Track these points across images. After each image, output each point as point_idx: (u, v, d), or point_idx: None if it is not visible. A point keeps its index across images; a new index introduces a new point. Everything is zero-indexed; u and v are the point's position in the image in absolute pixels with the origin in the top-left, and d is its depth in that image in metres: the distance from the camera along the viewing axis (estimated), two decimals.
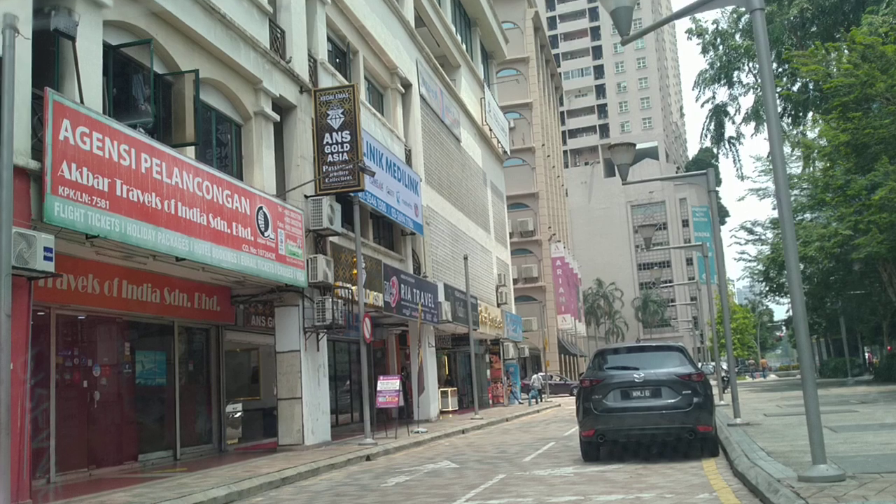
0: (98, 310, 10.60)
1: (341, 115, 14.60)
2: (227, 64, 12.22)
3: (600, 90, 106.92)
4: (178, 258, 9.90)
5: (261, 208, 12.03)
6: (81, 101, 8.55)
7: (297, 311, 13.54)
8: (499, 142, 33.52)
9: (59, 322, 10.11)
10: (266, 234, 12.11)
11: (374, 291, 16.49)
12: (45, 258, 7.50)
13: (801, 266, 26.42)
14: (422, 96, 22.40)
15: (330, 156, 14.51)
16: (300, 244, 13.30)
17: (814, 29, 27.94)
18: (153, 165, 9.38)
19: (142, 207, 9.06)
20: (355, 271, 14.58)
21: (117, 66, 9.96)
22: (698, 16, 30.08)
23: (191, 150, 10.92)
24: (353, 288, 14.84)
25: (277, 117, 13.73)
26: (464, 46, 29.20)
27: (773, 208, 32.35)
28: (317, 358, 14.09)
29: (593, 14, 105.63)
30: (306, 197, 14.13)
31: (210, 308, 13.02)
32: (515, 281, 43.11)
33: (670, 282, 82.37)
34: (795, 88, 27.89)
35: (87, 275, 10.08)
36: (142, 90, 10.02)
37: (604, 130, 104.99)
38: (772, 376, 62.36)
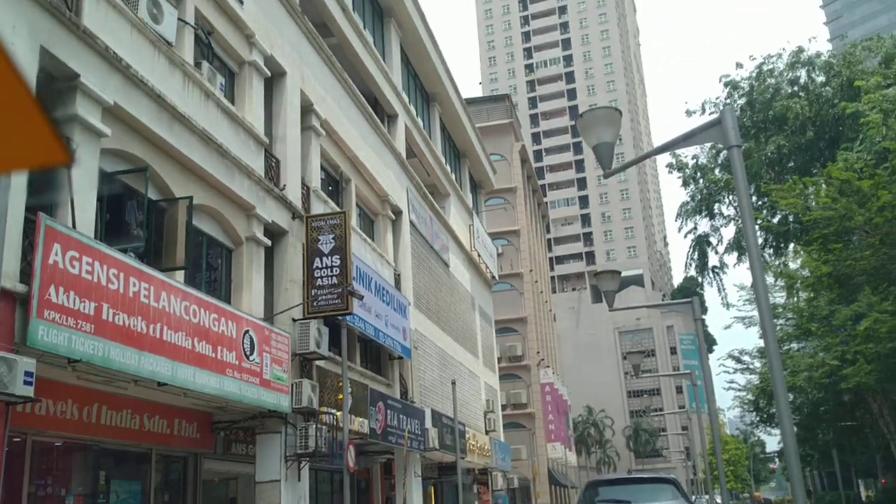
0: (76, 436, 10.30)
1: (332, 241, 14.80)
2: (222, 191, 12.47)
3: (585, 219, 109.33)
4: (160, 383, 9.74)
5: (247, 332, 11.96)
6: (74, 226, 8.66)
7: (280, 439, 13.20)
8: (487, 267, 33.89)
9: (36, 449, 9.79)
10: (251, 358, 11.98)
11: (360, 417, 16.16)
12: (26, 382, 7.37)
13: (791, 396, 26.21)
14: (412, 222, 22.81)
15: (319, 279, 14.60)
16: (286, 368, 13.15)
17: (791, 164, 28.97)
18: (141, 289, 9.39)
19: (127, 331, 9.00)
20: (341, 396, 14.34)
21: (112, 191, 10.15)
22: (678, 151, 31.20)
23: (180, 274, 10.97)
24: (339, 414, 14.56)
25: (269, 242, 13.90)
26: (453, 176, 30.02)
27: (760, 337, 32.38)
28: (298, 489, 13.61)
29: (577, 148, 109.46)
30: (294, 320, 14.10)
31: (190, 435, 12.68)
32: (504, 407, 42.40)
33: (661, 410, 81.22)
34: (776, 220, 28.60)
35: (67, 399, 9.87)
36: (135, 215, 10.18)
37: (590, 258, 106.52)
38: None
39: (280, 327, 13.43)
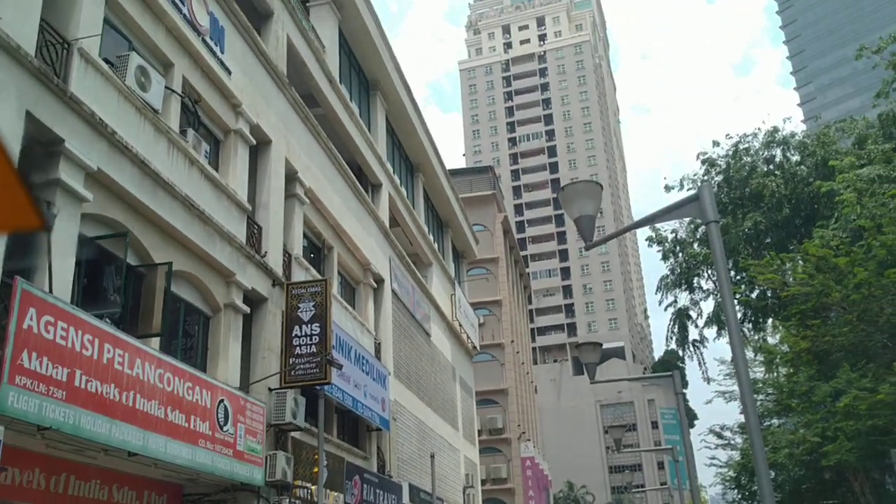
0: None
1: (312, 308, 14.71)
2: (202, 257, 12.42)
3: (567, 291, 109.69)
4: (131, 453, 9.49)
5: (222, 401, 11.74)
6: (50, 291, 8.56)
7: None
8: (468, 337, 33.73)
9: None
10: (225, 428, 11.73)
11: (335, 492, 15.76)
12: None
13: (772, 474, 25.94)
14: (393, 291, 22.77)
15: (298, 348, 14.44)
16: (260, 440, 12.86)
17: (768, 240, 29.39)
18: (115, 356, 9.24)
19: (99, 399, 8.81)
20: (316, 469, 14.02)
21: (91, 256, 10.08)
22: (657, 225, 31.58)
23: (156, 341, 10.82)
24: (313, 488, 14.19)
25: (247, 309, 13.78)
26: (436, 246, 30.16)
27: (741, 412, 32.23)
28: None
29: (559, 220, 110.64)
30: (270, 390, 13.87)
31: None
32: (483, 482, 41.57)
33: (642, 486, 79.97)
34: (754, 295, 28.82)
35: (34, 468, 9.56)
36: (112, 281, 10.09)
37: (571, 329, 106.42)
38: None
39: (256, 397, 13.20)
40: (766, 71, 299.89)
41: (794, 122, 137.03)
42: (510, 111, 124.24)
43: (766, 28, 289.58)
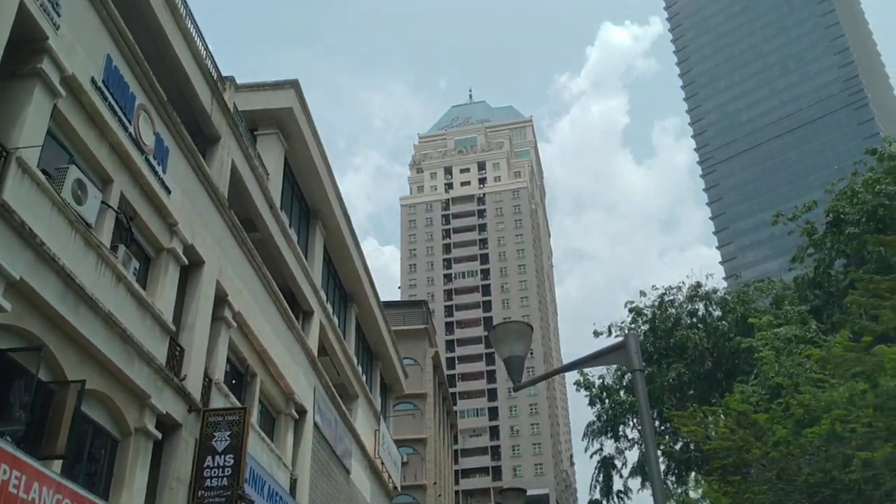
0: None
1: (228, 438, 14.11)
2: (118, 377, 11.92)
3: (494, 432, 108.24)
4: None
5: None
6: None
7: None
8: (390, 476, 32.61)
9: None
10: None
11: None
12: None
13: None
14: (316, 424, 22.08)
15: (209, 480, 13.71)
16: None
17: (691, 392, 29.97)
18: (12, 478, 8.61)
19: None
20: None
21: None
22: (586, 370, 31.91)
23: (58, 463, 10.16)
24: None
25: (159, 435, 13.13)
26: (364, 378, 29.66)
27: None
28: None
29: (490, 359, 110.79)
30: None
31: None
32: None
33: None
34: (678, 447, 29.00)
35: None
36: (20, 396, 9.56)
37: (496, 473, 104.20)
38: None
39: None
40: (691, 229, 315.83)
41: (717, 279, 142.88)
42: (447, 248, 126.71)
43: (691, 189, 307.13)
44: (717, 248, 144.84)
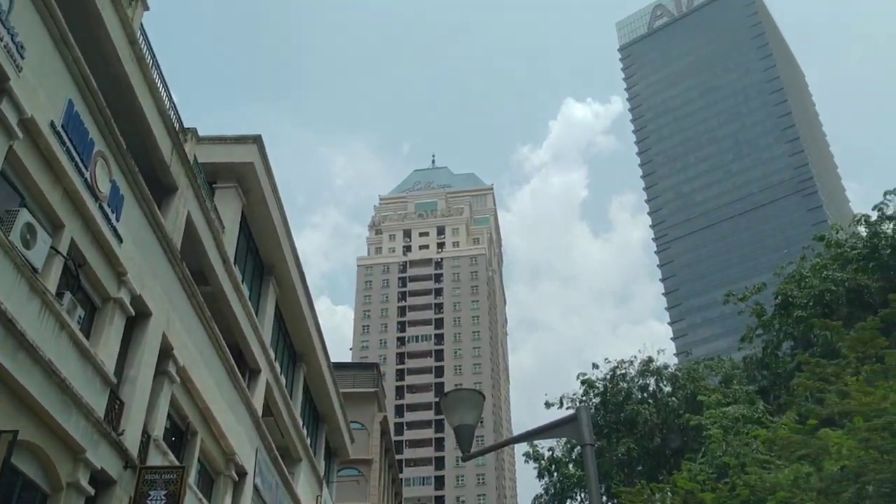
0: None
1: (163, 498, 13.55)
2: (53, 429, 11.44)
3: (440, 501, 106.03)
4: None
5: None
6: None
7: None
8: None
9: None
10: None
11: None
12: None
13: None
14: (255, 487, 21.37)
15: None
16: None
17: (640, 468, 29.86)
18: None
19: None
20: None
21: None
22: (535, 441, 31.63)
23: None
24: None
25: (92, 491, 12.56)
26: (309, 440, 28.96)
27: None
28: None
29: (439, 426, 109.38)
30: None
31: None
32: None
33: None
34: None
35: None
36: None
37: None
38: None
39: None
40: (644, 303, 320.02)
41: (668, 355, 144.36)
42: (402, 311, 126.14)
43: (645, 264, 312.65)
44: (669, 323, 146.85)
